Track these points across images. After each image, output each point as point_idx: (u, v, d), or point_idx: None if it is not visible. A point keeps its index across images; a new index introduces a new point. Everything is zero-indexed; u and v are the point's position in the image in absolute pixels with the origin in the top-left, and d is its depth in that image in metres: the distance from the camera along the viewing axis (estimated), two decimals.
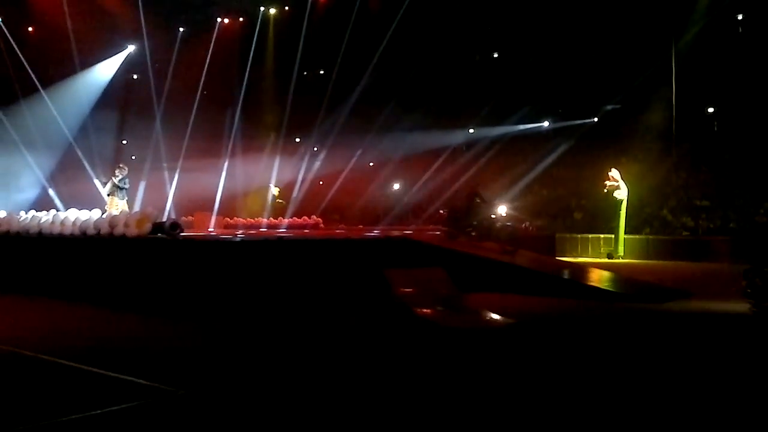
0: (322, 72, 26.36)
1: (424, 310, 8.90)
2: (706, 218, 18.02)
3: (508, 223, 14.65)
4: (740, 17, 20.73)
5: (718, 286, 11.32)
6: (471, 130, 24.82)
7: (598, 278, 11.77)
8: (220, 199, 24.67)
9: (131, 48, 26.42)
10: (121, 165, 16.90)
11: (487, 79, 23.15)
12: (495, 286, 10.54)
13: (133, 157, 24.34)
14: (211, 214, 21.75)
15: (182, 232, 12.63)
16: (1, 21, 23.74)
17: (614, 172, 16.91)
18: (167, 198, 23.68)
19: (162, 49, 25.87)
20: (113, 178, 16.40)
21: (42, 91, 23.87)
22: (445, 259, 10.48)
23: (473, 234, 13.50)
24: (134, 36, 25.61)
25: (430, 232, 15.38)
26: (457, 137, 24.72)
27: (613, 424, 4.74)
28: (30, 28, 25.28)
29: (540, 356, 6.81)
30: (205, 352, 7.38)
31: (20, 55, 23.42)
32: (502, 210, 15.45)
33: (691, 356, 6.69)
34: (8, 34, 23.51)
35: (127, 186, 16.52)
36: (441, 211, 20.06)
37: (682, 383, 5.68)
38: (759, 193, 17.63)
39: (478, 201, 14.47)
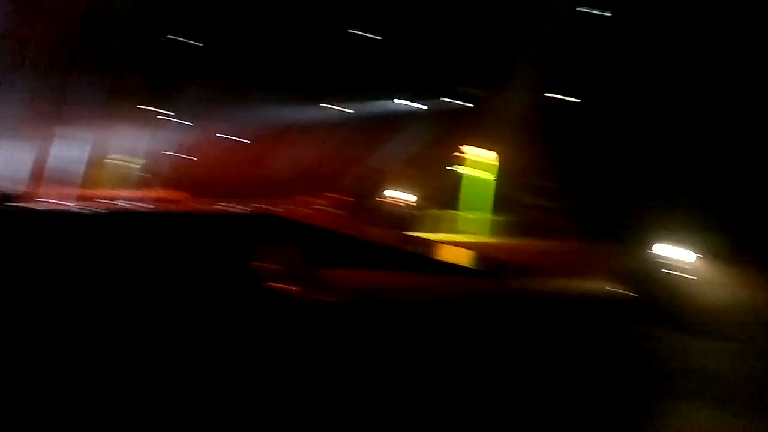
0: (190, 42, 25.39)
1: (279, 285, 8.97)
2: (556, 200, 19.08)
3: (399, 205, 14.77)
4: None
5: (571, 265, 12.05)
6: (351, 111, 24.83)
7: (455, 255, 12.25)
8: (78, 171, 23.31)
9: None
10: None
11: (363, 58, 23.19)
12: (356, 261, 10.71)
13: None
14: (68, 186, 20.55)
15: (19, 202, 11.92)
16: None
17: (477, 151, 17.52)
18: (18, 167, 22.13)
19: None
20: None
21: None
22: (303, 235, 10.56)
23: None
24: None
25: (293, 209, 15.39)
26: (332, 114, 24.65)
27: (436, 394, 4.98)
28: None
29: (385, 328, 7.04)
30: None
31: None
32: (394, 193, 15.59)
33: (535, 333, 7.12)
34: None
35: None
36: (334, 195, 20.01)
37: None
38: (604, 177, 18.86)
39: (374, 183, 14.58)
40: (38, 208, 12.16)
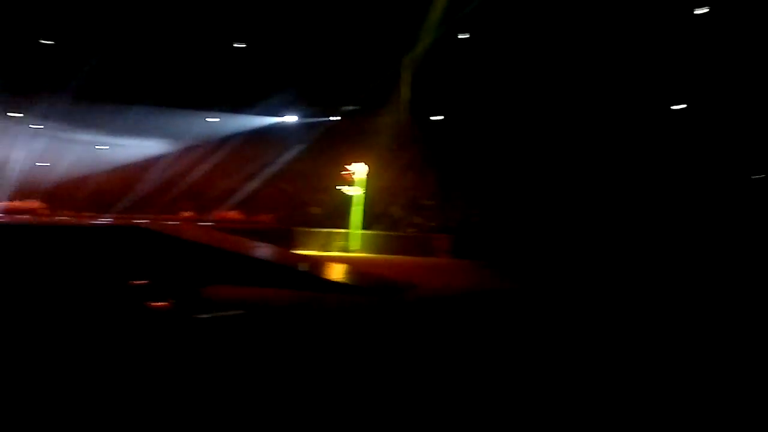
0: (51, 42, 23.89)
1: (157, 303, 8.55)
2: (430, 217, 19.69)
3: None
4: (467, 35, 22.79)
5: (439, 278, 12.41)
6: (210, 119, 24.18)
7: (332, 271, 12.24)
8: None
9: None
10: None
11: (231, 67, 22.77)
12: (234, 278, 10.45)
13: None
14: None
15: None
16: None
17: (355, 168, 17.74)
18: None
19: None
20: None
21: None
22: (178, 249, 10.17)
23: None
24: None
25: (166, 222, 14.82)
26: (197, 125, 23.97)
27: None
28: None
29: (268, 345, 6.93)
30: None
31: None
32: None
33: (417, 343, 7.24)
34: None
35: None
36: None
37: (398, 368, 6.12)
38: (475, 195, 19.68)
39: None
40: None
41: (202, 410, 4.82)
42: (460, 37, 22.48)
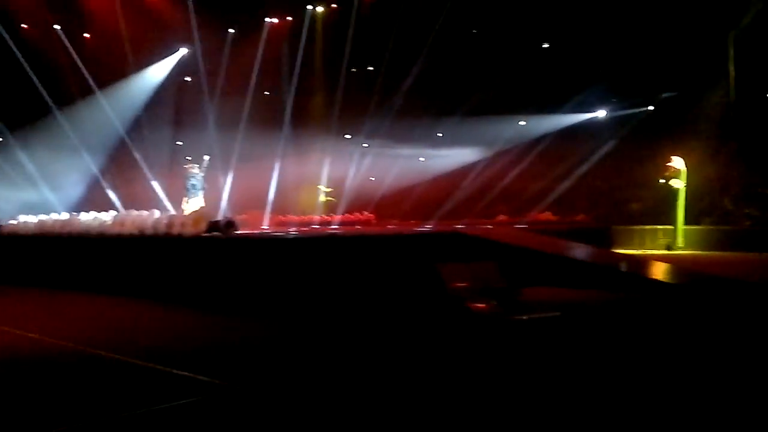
0: (371, 68, 26.35)
1: (478, 305, 8.81)
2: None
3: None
4: None
5: None
6: (522, 122, 24.40)
7: (659, 271, 11.44)
8: (273, 197, 24.94)
9: (183, 50, 26.91)
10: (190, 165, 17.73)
11: (538, 68, 22.69)
12: (552, 279, 10.35)
13: (188, 158, 24.87)
14: (264, 212, 22.04)
15: (237, 230, 12.82)
16: (60, 28, 24.41)
17: (675, 160, 16.45)
18: (222, 196, 24.05)
19: (213, 51, 26.29)
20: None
21: (97, 91, 24.51)
22: (496, 252, 10.35)
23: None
24: (186, 39, 26.11)
25: (483, 226, 15.26)
26: (507, 129, 24.35)
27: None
28: (86, 34, 25.97)
29: (589, 348, 6.70)
30: (261, 349, 7.46)
31: (77, 59, 24.10)
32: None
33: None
34: (66, 41, 24.21)
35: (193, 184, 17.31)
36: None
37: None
38: None
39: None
40: (242, 234, 12.98)
41: (525, 411, 4.83)
42: None
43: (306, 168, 25.56)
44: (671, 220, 16.49)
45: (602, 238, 16.32)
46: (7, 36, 23.25)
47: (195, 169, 17.92)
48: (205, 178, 18.23)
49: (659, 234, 17.17)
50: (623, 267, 11.40)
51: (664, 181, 16.50)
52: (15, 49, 23.31)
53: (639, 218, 18.79)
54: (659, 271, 11.36)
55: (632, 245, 17.19)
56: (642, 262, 12.41)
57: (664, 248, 16.36)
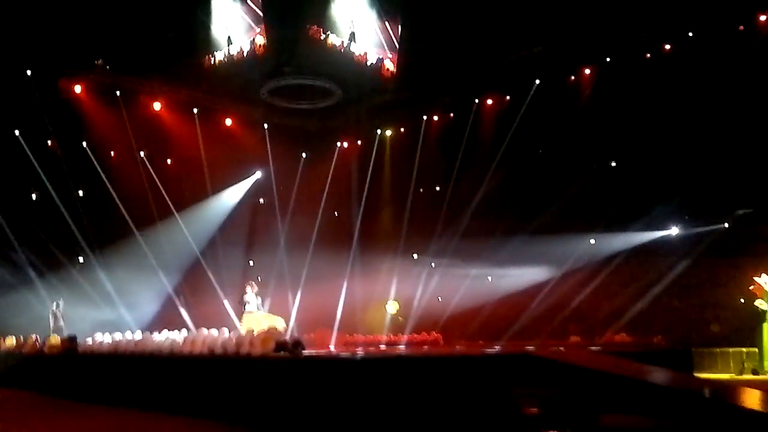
0: (437, 188, 26.85)
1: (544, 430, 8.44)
2: None
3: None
4: None
5: None
6: (592, 241, 24.05)
7: (754, 400, 10.66)
8: (340, 316, 25.01)
9: (258, 174, 28.15)
10: (250, 283, 18.17)
11: (606, 186, 22.59)
12: (631, 406, 9.82)
13: (259, 278, 25.44)
14: (332, 331, 22.04)
15: (304, 349, 12.80)
16: (146, 156, 26.00)
17: (763, 278, 15.82)
18: (290, 316, 24.25)
19: (286, 172, 27.42)
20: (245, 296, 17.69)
21: (175, 214, 25.64)
22: (570, 376, 9.97)
23: None
24: (262, 163, 27.38)
25: (555, 348, 14.77)
26: (577, 246, 24.03)
27: None
28: (169, 161, 27.52)
29: None
30: None
31: (159, 184, 25.44)
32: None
33: None
34: (150, 168, 25.69)
35: (250, 303, 17.60)
36: None
37: None
38: None
39: None
40: (309, 354, 12.96)
41: None
42: None
43: (373, 287, 25.68)
44: (756, 342, 15.66)
45: (682, 361, 15.51)
46: (96, 163, 24.88)
47: (249, 289, 18.47)
48: (258, 296, 18.75)
49: (743, 357, 16.27)
50: (710, 395, 10.74)
51: (749, 301, 15.82)
52: (103, 175, 24.86)
53: (720, 340, 17.89)
54: (754, 400, 10.62)
55: (715, 369, 16.31)
56: (732, 390, 11.66)
57: (749, 372, 15.44)
